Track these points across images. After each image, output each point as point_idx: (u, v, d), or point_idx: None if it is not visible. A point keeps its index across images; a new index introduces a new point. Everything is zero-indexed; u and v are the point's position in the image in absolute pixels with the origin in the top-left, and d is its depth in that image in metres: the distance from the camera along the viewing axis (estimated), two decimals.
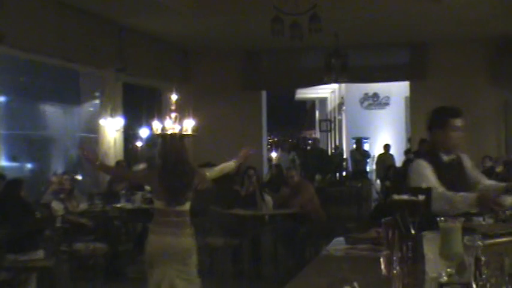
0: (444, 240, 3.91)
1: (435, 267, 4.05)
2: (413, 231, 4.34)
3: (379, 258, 4.46)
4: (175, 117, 8.98)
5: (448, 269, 3.86)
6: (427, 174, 5.73)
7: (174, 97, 9.49)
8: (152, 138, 21.73)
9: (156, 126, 9.53)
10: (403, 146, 23.25)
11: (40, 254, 9.64)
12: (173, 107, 9.39)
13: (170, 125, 9.09)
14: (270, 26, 13.58)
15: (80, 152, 8.35)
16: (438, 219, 3.89)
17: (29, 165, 17.86)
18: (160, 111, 19.80)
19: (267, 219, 12.41)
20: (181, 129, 9.08)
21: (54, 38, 14.37)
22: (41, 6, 13.97)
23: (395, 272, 4.09)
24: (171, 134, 9.19)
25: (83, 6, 14.99)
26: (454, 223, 3.84)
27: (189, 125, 9.34)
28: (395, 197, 6.03)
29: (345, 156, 27.41)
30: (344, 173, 24.16)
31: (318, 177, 18.95)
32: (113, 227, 12.98)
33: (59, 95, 17.92)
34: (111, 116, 17.37)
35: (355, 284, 3.82)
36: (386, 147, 23.49)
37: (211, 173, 8.46)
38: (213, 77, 21.01)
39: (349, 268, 4.60)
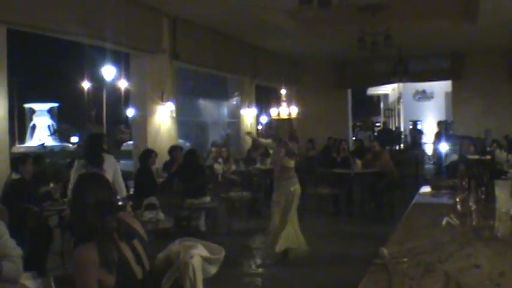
0: None
1: (506, 204, 3.93)
2: (485, 180, 4.24)
3: (456, 200, 4.36)
4: (285, 106, 8.96)
5: None
6: None
7: (283, 91, 9.42)
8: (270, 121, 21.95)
9: (274, 112, 9.43)
10: None
11: (207, 198, 9.76)
12: (284, 99, 9.31)
13: (282, 111, 9.07)
14: (357, 43, 13.45)
15: (247, 134, 8.75)
16: (510, 170, 3.78)
17: (192, 141, 18.16)
18: (277, 103, 20.01)
19: (352, 175, 12.23)
20: (289, 114, 9.04)
21: (210, 55, 14.59)
22: (202, 34, 14.19)
23: (472, 209, 4.00)
24: (283, 118, 9.12)
25: (229, 34, 15.16)
26: None
27: (294, 110, 9.25)
28: (470, 156, 5.99)
29: (402, 133, 27.19)
30: (402, 145, 24.02)
31: (387, 147, 18.68)
32: (253, 181, 13.10)
33: (213, 94, 18.12)
34: (248, 107, 17.55)
35: (452, 215, 3.75)
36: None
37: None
38: (315, 79, 20.96)
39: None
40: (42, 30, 9.80)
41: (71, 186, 7.28)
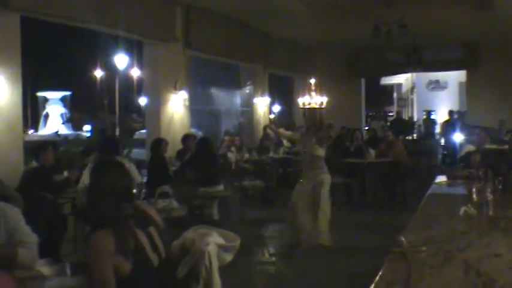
0: None
1: None
2: (503, 170, 4.20)
3: (473, 190, 4.31)
4: (315, 95, 8.73)
5: None
6: None
7: (312, 81, 9.18)
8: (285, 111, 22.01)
9: (301, 101, 9.18)
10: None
11: (220, 187, 9.73)
12: (312, 88, 9.05)
13: (310, 100, 8.80)
14: (372, 32, 13.39)
15: (269, 127, 8.84)
16: None
17: (205, 130, 18.14)
18: (292, 93, 19.99)
19: (365, 165, 12.18)
20: (319, 104, 8.75)
21: (223, 44, 14.53)
22: (215, 22, 14.14)
23: (489, 199, 3.97)
24: (312, 107, 8.88)
25: (243, 20, 15.08)
26: None
27: (323, 100, 8.99)
28: (488, 146, 5.93)
29: (415, 123, 27.09)
30: (415, 135, 23.99)
31: (401, 137, 18.57)
32: (266, 170, 13.10)
33: (226, 82, 18.11)
34: (261, 96, 17.51)
35: (469, 205, 3.72)
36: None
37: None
38: (328, 68, 20.69)
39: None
40: (55, 18, 9.82)
41: (82, 179, 7.35)
